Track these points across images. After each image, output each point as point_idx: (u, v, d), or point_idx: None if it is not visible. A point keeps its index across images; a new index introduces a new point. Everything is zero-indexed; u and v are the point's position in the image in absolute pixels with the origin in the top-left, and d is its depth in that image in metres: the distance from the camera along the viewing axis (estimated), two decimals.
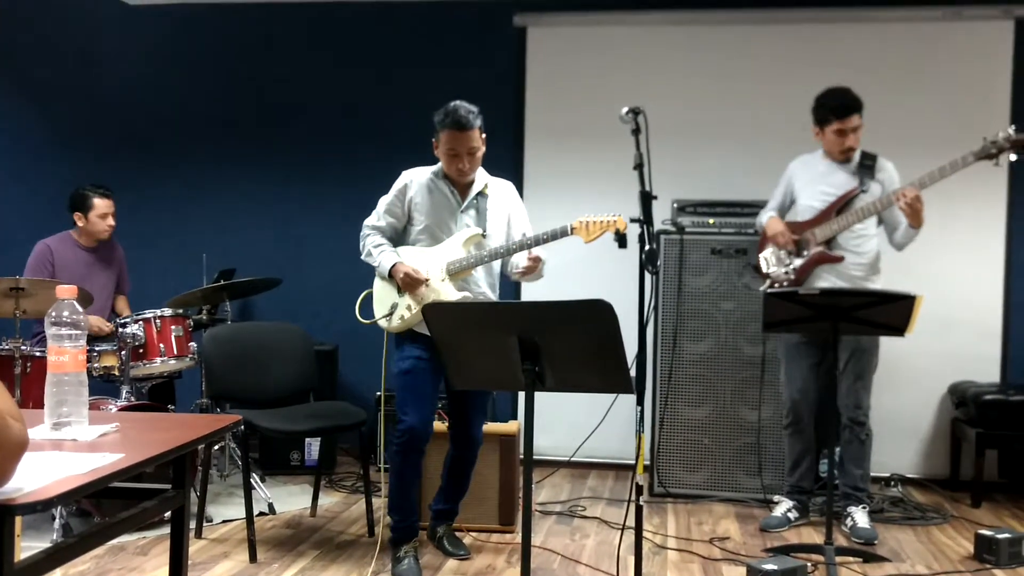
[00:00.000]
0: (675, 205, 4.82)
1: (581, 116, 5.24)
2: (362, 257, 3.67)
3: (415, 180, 3.58)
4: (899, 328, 3.47)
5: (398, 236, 3.65)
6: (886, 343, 4.19)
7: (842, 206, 4.05)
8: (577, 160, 5.27)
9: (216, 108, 5.69)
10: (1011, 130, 3.77)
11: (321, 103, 5.58)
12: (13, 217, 5.74)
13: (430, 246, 3.56)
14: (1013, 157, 3.79)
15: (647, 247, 2.92)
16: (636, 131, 3.07)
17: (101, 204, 4.66)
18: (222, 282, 4.72)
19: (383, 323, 3.56)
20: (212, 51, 5.68)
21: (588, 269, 5.04)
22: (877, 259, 4.14)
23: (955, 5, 4.98)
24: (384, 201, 3.64)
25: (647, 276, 2.96)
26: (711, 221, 4.73)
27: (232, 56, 5.67)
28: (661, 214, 4.62)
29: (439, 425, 3.81)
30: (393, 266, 3.51)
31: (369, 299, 3.66)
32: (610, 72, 5.24)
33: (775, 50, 5.13)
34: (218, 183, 5.69)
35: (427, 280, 3.47)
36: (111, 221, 4.70)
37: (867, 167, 4.10)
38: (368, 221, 3.66)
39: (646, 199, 3.01)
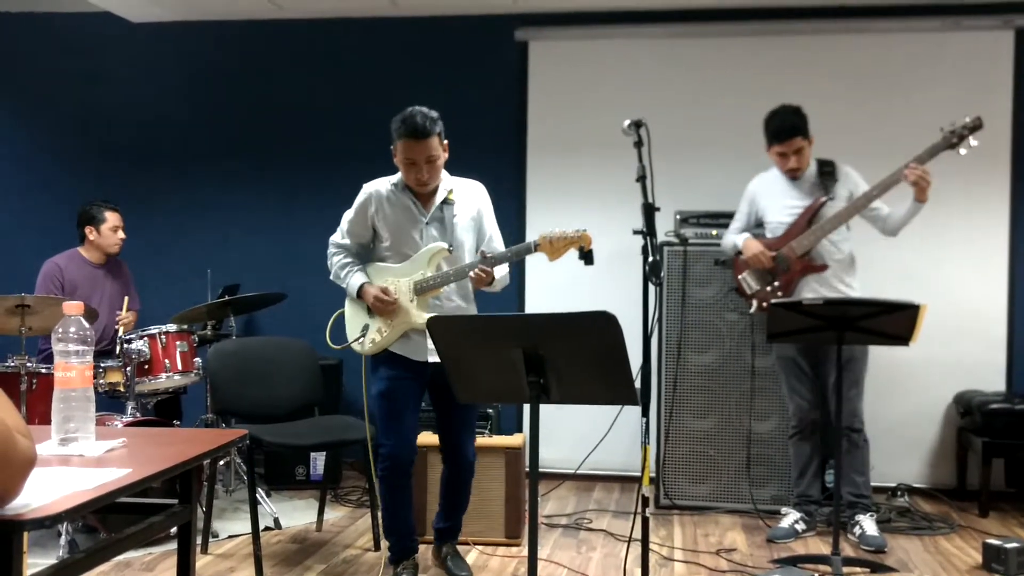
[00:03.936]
0: (678, 217, 4.83)
1: (583, 129, 5.26)
2: (330, 277, 3.56)
3: (376, 194, 3.43)
4: (904, 337, 3.47)
5: (366, 252, 3.54)
6: (891, 353, 4.19)
7: (812, 216, 4.09)
8: (579, 173, 5.29)
9: (220, 124, 5.71)
10: (967, 118, 3.86)
11: (324, 119, 5.60)
12: (18, 234, 5.76)
13: (397, 263, 3.43)
14: (974, 143, 3.88)
15: (650, 259, 2.92)
16: (638, 143, 3.08)
17: (112, 217, 4.69)
18: (227, 298, 4.72)
19: (356, 347, 3.48)
20: (215, 68, 5.71)
21: (592, 280, 5.05)
22: (852, 258, 4.19)
23: (955, 15, 5.00)
24: (346, 218, 3.52)
25: (651, 287, 2.96)
26: (714, 232, 4.73)
27: (235, 72, 5.69)
28: (664, 226, 4.63)
29: (435, 439, 3.78)
30: (361, 287, 3.43)
31: (341, 321, 3.57)
32: (612, 85, 5.26)
33: (777, 61, 5.15)
34: (222, 199, 5.71)
35: (396, 301, 3.37)
36: (121, 234, 4.73)
37: (827, 173, 4.15)
38: (333, 239, 3.55)
39: (649, 211, 3.01)
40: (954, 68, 5.01)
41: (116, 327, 4.55)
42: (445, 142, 3.38)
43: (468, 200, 3.50)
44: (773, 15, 5.16)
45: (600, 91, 5.27)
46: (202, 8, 5.44)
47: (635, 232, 3.02)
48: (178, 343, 4.37)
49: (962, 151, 3.90)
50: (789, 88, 5.00)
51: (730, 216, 4.61)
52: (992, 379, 4.95)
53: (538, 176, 5.36)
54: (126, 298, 4.68)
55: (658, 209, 3.04)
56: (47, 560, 3.59)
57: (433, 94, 5.31)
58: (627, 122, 3.11)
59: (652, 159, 3.06)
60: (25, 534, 1.54)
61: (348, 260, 3.51)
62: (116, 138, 5.78)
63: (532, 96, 5.37)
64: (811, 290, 4.09)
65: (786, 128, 4.06)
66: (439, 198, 3.44)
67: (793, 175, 4.16)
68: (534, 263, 5.20)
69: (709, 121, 5.18)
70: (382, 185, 3.46)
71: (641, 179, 3.04)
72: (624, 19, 5.27)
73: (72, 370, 2.00)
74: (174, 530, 2.27)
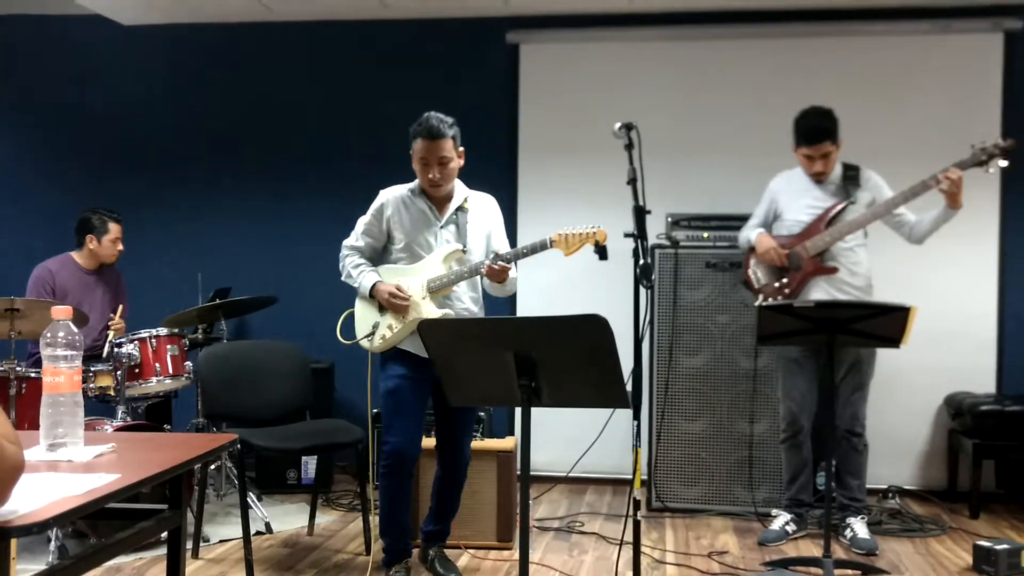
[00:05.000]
0: (669, 219, 4.83)
1: (574, 132, 5.26)
2: (342, 278, 3.63)
3: (392, 198, 3.53)
4: (895, 340, 3.48)
5: (377, 255, 3.62)
6: (882, 355, 4.19)
7: (831, 219, 4.07)
8: (570, 175, 5.29)
9: (211, 127, 5.70)
10: (999, 139, 3.86)
11: (315, 121, 5.60)
12: (7, 238, 5.73)
13: (410, 263, 3.51)
14: (1003, 163, 3.86)
15: (641, 261, 2.93)
16: (629, 146, 3.08)
17: (115, 229, 4.67)
18: (217, 301, 4.71)
19: (365, 343, 3.53)
20: (207, 71, 5.70)
21: (583, 284, 5.05)
22: (870, 276, 4.15)
23: (945, 18, 5.02)
24: (362, 221, 3.60)
25: (642, 290, 2.97)
26: (705, 235, 4.74)
27: (226, 75, 5.68)
28: (655, 228, 4.64)
29: (428, 442, 3.78)
30: (374, 286, 3.49)
31: (350, 320, 3.63)
32: (603, 88, 5.26)
33: (767, 64, 5.16)
34: (213, 202, 5.69)
35: (409, 298, 3.44)
36: (120, 246, 4.71)
37: (851, 178, 4.12)
38: (347, 242, 3.63)
39: (640, 213, 3.02)
40: (944, 71, 5.03)
41: (107, 331, 4.53)
42: (461, 149, 3.47)
43: (482, 211, 3.61)
44: (762, 18, 5.17)
45: (591, 94, 5.27)
46: (192, 11, 5.43)
47: (626, 235, 3.02)
48: (169, 347, 4.35)
49: (990, 170, 3.87)
50: (778, 91, 5.03)
51: (721, 219, 4.63)
52: (982, 381, 4.97)
53: (529, 178, 5.36)
54: (120, 306, 4.65)
55: (649, 212, 3.05)
56: (36, 566, 3.58)
57: (424, 97, 5.30)
58: (618, 125, 3.11)
59: (643, 162, 3.06)
60: (13, 540, 1.54)
61: (361, 261, 3.59)
62: (107, 141, 5.76)
63: (523, 99, 5.37)
64: (821, 291, 4.06)
65: (816, 131, 4.02)
66: (454, 204, 3.54)
67: (818, 179, 4.13)
68: (525, 266, 5.19)
69: (700, 124, 5.18)
70: (399, 191, 3.56)
71: (632, 182, 3.05)
72: (615, 22, 5.28)
73: (61, 375, 1.99)
74: (164, 535, 2.25)
